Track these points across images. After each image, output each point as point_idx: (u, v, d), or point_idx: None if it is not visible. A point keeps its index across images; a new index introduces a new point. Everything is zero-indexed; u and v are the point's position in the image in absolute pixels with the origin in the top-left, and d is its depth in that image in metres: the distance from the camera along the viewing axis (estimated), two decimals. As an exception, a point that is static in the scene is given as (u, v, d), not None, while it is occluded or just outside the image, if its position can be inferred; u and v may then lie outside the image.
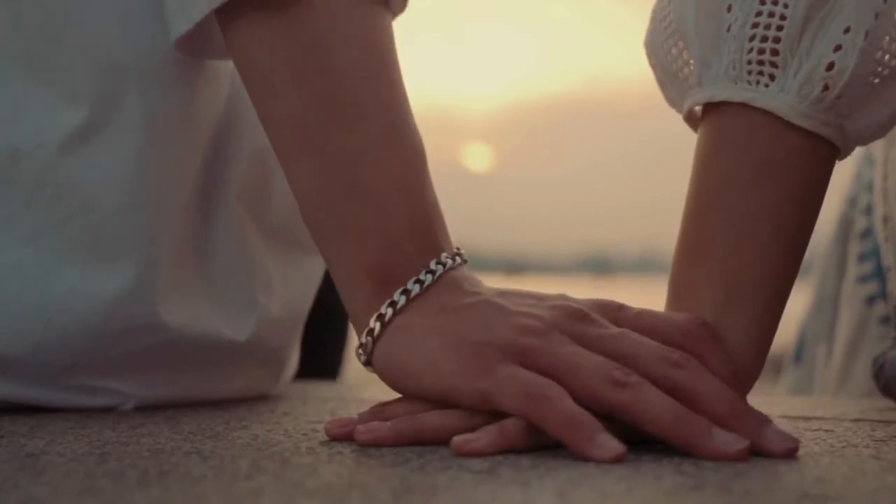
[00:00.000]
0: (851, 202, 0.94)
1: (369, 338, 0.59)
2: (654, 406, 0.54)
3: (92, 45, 0.65)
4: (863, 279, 0.90)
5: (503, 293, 0.59)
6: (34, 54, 0.65)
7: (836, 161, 0.63)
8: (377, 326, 0.59)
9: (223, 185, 0.71)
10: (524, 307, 0.58)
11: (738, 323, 0.59)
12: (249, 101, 0.63)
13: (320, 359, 1.06)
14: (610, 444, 0.52)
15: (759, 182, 0.60)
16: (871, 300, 0.89)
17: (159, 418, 0.66)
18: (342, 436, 0.58)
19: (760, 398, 0.79)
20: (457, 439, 0.54)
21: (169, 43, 0.65)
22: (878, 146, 0.87)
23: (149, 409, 0.70)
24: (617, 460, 0.52)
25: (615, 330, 0.57)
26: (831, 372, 0.92)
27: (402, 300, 0.59)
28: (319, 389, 0.86)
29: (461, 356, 0.56)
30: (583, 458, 0.52)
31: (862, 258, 0.91)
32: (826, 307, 0.96)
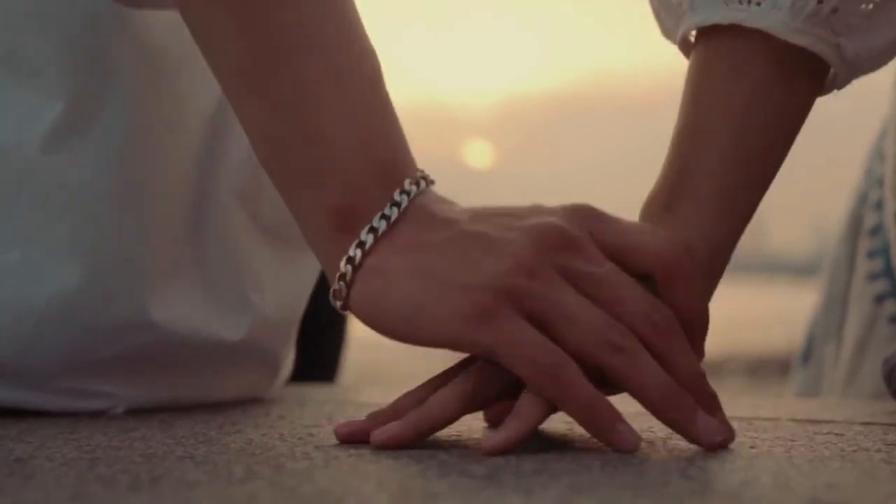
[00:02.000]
0: (861, 198, 0.93)
1: (342, 283, 0.57)
2: (646, 378, 0.56)
3: (71, 39, 0.65)
4: (872, 277, 0.90)
5: (477, 217, 0.58)
6: (10, 49, 0.64)
7: (836, 90, 0.63)
8: (348, 270, 0.57)
9: (216, 182, 0.71)
10: (504, 232, 0.57)
11: (689, 209, 0.61)
12: None
13: (316, 360, 1.06)
14: (630, 435, 0.55)
15: (751, 107, 0.61)
16: (880, 299, 0.89)
17: (151, 422, 0.66)
18: (352, 437, 0.58)
19: (768, 401, 0.79)
20: (485, 445, 0.55)
21: (156, 35, 0.65)
22: (889, 141, 0.86)
23: (140, 412, 0.70)
24: (634, 450, 0.55)
25: (602, 270, 0.57)
26: (839, 372, 0.92)
27: (369, 239, 0.57)
28: (316, 392, 0.86)
29: (451, 300, 0.56)
30: (585, 465, 0.52)
31: (871, 255, 0.91)
32: (835, 306, 0.95)
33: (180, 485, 0.48)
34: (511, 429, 0.55)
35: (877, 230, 0.90)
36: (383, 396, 0.77)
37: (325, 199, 0.58)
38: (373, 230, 0.57)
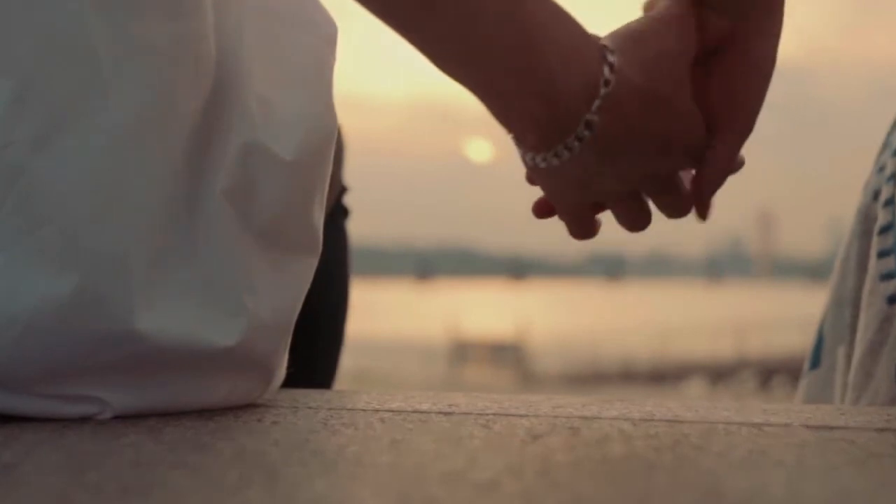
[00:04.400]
0: (873, 195, 0.93)
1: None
2: None
3: (55, 34, 0.65)
4: (884, 277, 0.90)
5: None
6: None
7: None
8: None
9: (207, 183, 0.71)
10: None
11: None
12: (235, 93, 0.62)
13: (312, 365, 1.07)
14: None
15: None
16: (892, 299, 0.89)
17: (141, 428, 0.66)
18: None
19: (780, 406, 0.79)
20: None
21: (142, 28, 0.65)
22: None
23: (129, 418, 0.70)
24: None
25: None
26: (851, 376, 0.92)
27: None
28: (310, 397, 0.86)
29: None
30: (588, 472, 0.53)
31: (882, 255, 0.90)
32: (845, 307, 0.95)
33: (171, 493, 0.48)
34: None
35: (888, 228, 0.90)
36: (379, 402, 0.77)
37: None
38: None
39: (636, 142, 0.71)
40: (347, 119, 0.93)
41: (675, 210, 0.76)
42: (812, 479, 0.52)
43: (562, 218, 0.78)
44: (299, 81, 0.76)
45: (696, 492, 0.49)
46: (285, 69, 0.75)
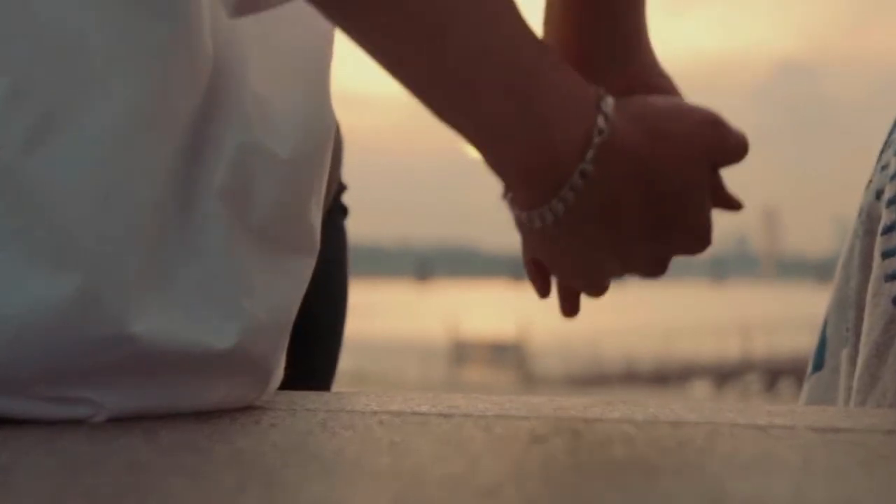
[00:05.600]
0: (876, 194, 0.93)
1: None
2: None
3: (49, 32, 0.65)
4: (889, 277, 0.90)
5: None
6: None
7: None
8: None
9: (202, 183, 0.71)
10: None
11: None
12: (232, 91, 0.62)
13: (309, 367, 1.07)
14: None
15: None
16: (898, 300, 0.89)
17: (135, 430, 0.66)
18: None
19: (785, 408, 0.79)
20: None
21: (137, 25, 0.66)
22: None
23: (124, 420, 0.70)
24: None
25: None
26: (856, 378, 0.92)
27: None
28: (308, 399, 0.87)
29: None
30: (591, 476, 0.53)
31: (886, 255, 0.90)
32: (848, 308, 0.95)
33: (167, 496, 0.48)
34: None
35: (892, 228, 0.90)
36: (378, 404, 0.77)
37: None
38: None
39: (633, 208, 0.72)
40: (346, 116, 0.93)
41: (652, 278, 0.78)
42: (818, 482, 0.52)
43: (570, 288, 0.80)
44: (296, 79, 0.76)
45: (701, 495, 0.49)
46: (282, 66, 0.75)
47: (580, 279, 0.78)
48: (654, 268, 0.76)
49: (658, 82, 0.78)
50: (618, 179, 0.71)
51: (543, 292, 0.80)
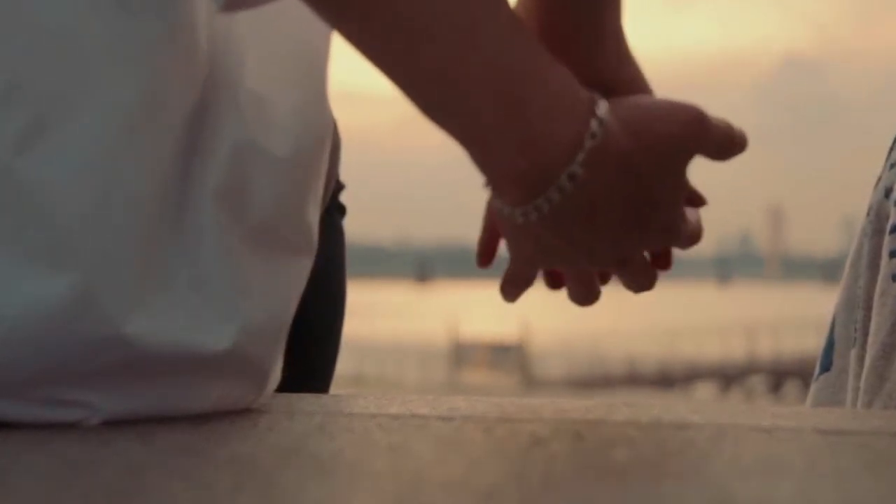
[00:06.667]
0: (885, 192, 0.93)
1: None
2: None
3: (44, 30, 0.65)
4: None
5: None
6: None
7: None
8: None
9: (198, 182, 0.71)
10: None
11: None
12: (228, 89, 0.62)
13: (307, 369, 1.07)
14: None
15: None
16: (905, 299, 0.89)
17: (131, 433, 0.66)
18: None
19: (791, 409, 0.79)
20: None
21: (132, 22, 0.66)
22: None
23: (120, 423, 0.70)
24: None
25: None
26: (864, 378, 0.92)
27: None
28: (306, 402, 0.87)
29: None
30: (593, 479, 0.53)
31: (894, 254, 0.90)
32: (856, 308, 0.95)
33: (163, 500, 0.48)
34: None
35: None
36: (377, 407, 0.77)
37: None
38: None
39: (615, 209, 0.72)
40: (343, 114, 0.93)
41: (639, 286, 0.78)
42: (824, 484, 0.52)
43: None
44: (293, 77, 0.76)
45: (705, 498, 0.49)
46: (279, 65, 0.75)
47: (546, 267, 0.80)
48: (619, 264, 0.77)
49: (628, 73, 0.78)
50: (606, 181, 0.71)
51: (554, 285, 0.81)
